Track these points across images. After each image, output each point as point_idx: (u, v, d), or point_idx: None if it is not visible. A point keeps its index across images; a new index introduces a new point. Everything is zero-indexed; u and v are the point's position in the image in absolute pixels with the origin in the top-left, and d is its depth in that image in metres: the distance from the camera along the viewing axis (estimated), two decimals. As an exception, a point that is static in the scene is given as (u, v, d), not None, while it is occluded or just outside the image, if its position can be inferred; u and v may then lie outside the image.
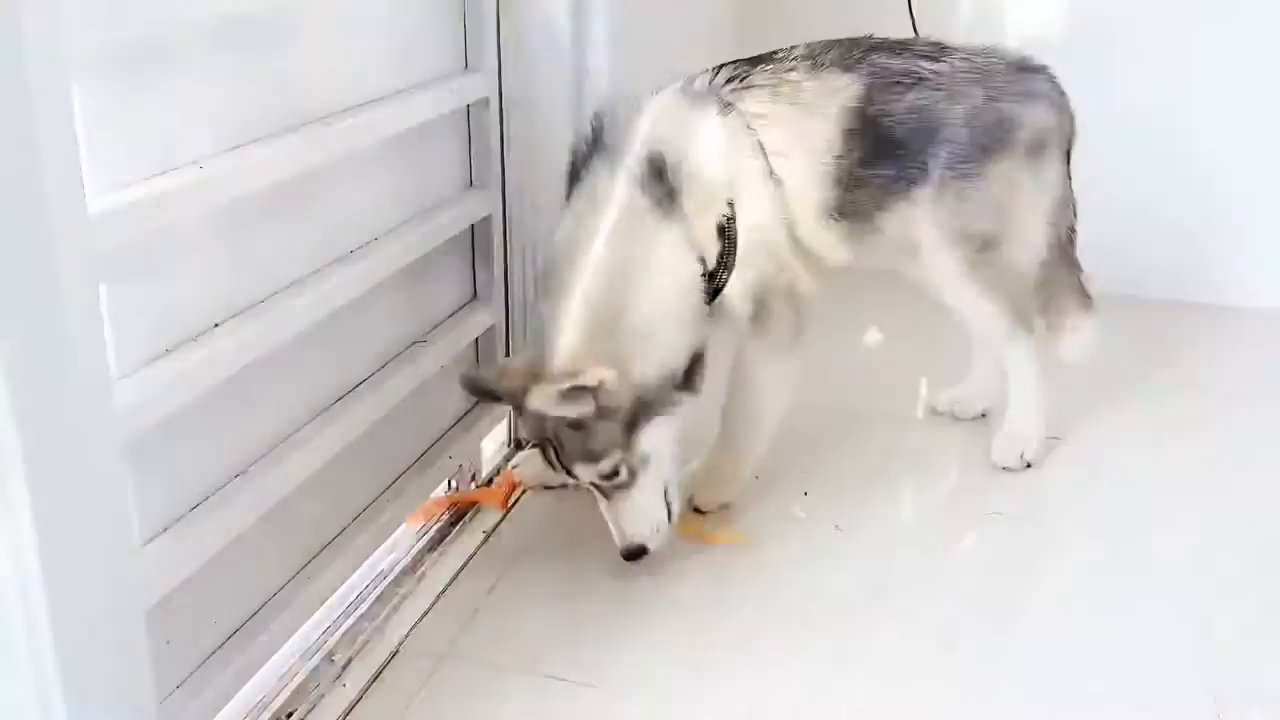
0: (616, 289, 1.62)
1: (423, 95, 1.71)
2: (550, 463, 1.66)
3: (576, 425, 1.58)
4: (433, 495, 1.89)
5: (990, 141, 1.85)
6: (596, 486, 1.66)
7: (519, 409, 1.65)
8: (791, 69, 1.82)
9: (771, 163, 1.76)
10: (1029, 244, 1.93)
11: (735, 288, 1.75)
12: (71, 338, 1.00)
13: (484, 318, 1.97)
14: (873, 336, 2.65)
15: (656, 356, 1.63)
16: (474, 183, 1.95)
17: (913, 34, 2.70)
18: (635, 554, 1.67)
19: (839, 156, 1.80)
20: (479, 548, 1.81)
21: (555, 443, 1.62)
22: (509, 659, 1.54)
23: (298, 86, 1.46)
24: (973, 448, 2.12)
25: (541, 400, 1.54)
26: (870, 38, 1.90)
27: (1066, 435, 2.13)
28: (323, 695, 1.49)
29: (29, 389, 0.94)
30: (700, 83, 1.80)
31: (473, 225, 1.93)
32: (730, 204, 1.73)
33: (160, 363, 1.23)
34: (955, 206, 1.85)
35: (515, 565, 1.76)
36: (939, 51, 1.89)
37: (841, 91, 1.80)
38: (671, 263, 1.68)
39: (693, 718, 1.46)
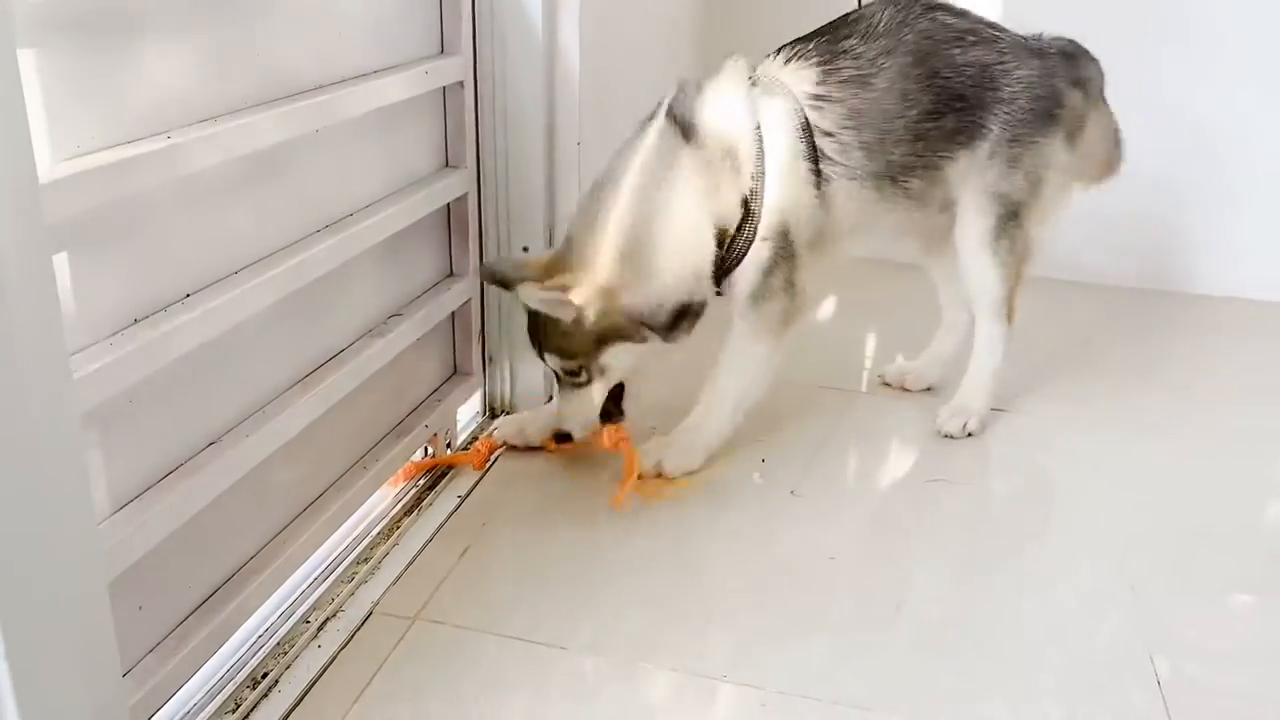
0: (637, 226, 1.62)
1: (397, 76, 1.58)
2: (533, 341, 1.71)
3: (553, 325, 1.64)
4: (412, 459, 1.78)
5: (1039, 111, 1.77)
6: (557, 374, 1.72)
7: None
8: (846, 36, 1.74)
9: (820, 144, 1.69)
10: (1044, 223, 1.84)
11: (749, 261, 1.70)
12: (21, 308, 0.87)
13: (459, 292, 1.85)
14: (826, 312, 2.55)
15: (644, 296, 1.63)
16: (450, 162, 1.82)
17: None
18: (564, 438, 1.76)
19: (898, 115, 1.72)
20: (453, 512, 1.69)
21: (541, 330, 1.67)
22: (479, 621, 1.43)
23: (271, 62, 1.33)
24: (918, 419, 2.03)
25: (526, 294, 1.62)
26: (928, 1, 1.80)
27: (1011, 408, 2.05)
28: (297, 657, 1.37)
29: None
30: (761, 64, 1.75)
31: (449, 204, 1.81)
32: (756, 179, 1.67)
33: (127, 333, 1.10)
34: (1002, 169, 1.77)
35: (488, 529, 1.65)
36: (995, 24, 1.82)
37: (898, 51, 1.72)
38: (687, 221, 1.65)
39: (658, 676, 1.36)
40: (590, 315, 1.62)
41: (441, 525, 1.65)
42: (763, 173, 1.68)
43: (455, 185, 1.79)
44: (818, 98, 1.71)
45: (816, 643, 1.43)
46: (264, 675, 1.34)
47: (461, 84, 1.76)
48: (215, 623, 1.29)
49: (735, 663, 1.38)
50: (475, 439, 1.92)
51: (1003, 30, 1.81)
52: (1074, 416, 2.06)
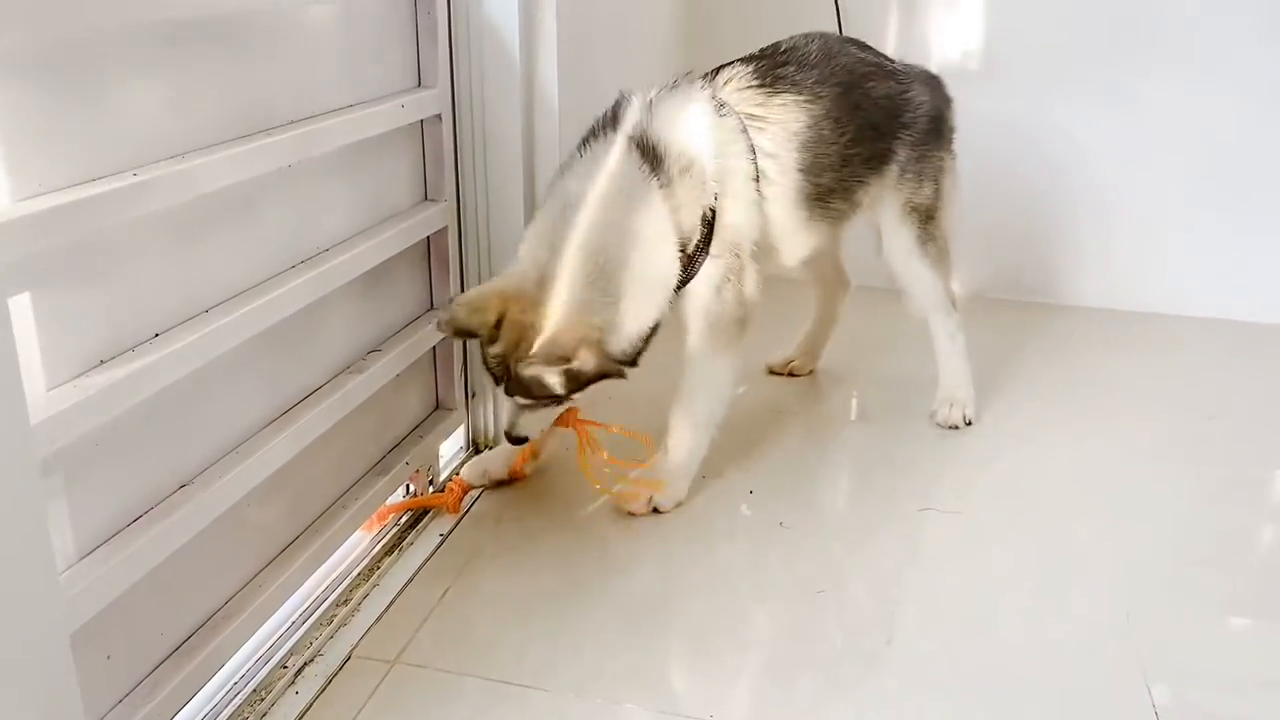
0: (613, 265, 1.59)
1: (373, 110, 1.56)
2: (495, 380, 1.64)
3: (537, 380, 1.58)
4: (387, 502, 1.74)
5: (933, 130, 1.96)
6: (518, 405, 1.66)
7: (492, 341, 1.60)
8: (784, 63, 1.82)
9: (762, 164, 1.73)
10: (951, 220, 2.01)
11: (703, 277, 1.71)
12: (-24, 350, 0.85)
13: (440, 327, 1.83)
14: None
15: (628, 330, 1.61)
16: (429, 195, 1.80)
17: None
18: (520, 440, 1.71)
19: (832, 142, 1.81)
20: (435, 551, 1.66)
21: (512, 379, 1.60)
22: (460, 663, 1.40)
23: (243, 97, 1.31)
24: (908, 447, 2.02)
25: (532, 372, 1.56)
26: (839, 34, 2.01)
27: (993, 432, 2.05)
28: (274, 704, 1.34)
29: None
30: (704, 83, 1.77)
31: (429, 237, 1.79)
32: (715, 197, 1.68)
33: (91, 375, 1.08)
34: (913, 184, 1.94)
35: (469, 570, 1.62)
36: (886, 55, 1.99)
37: (830, 82, 1.82)
38: (658, 245, 1.64)
39: (643, 717, 1.32)
40: (590, 367, 1.56)
41: (422, 565, 1.62)
42: (720, 192, 1.69)
43: (435, 218, 1.78)
44: (760, 119, 1.76)
45: (805, 680, 1.40)
46: (239, 723, 1.30)
47: (439, 116, 1.75)
48: (188, 670, 1.25)
49: (723, 702, 1.35)
50: (453, 477, 1.88)
51: (893, 60, 1.98)
52: (1057, 441, 2.05)
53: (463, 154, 1.82)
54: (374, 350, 1.67)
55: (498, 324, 1.58)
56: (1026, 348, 2.49)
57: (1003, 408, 2.17)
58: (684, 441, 1.79)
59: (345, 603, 1.53)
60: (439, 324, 1.62)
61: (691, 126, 1.69)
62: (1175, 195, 2.66)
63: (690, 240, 1.68)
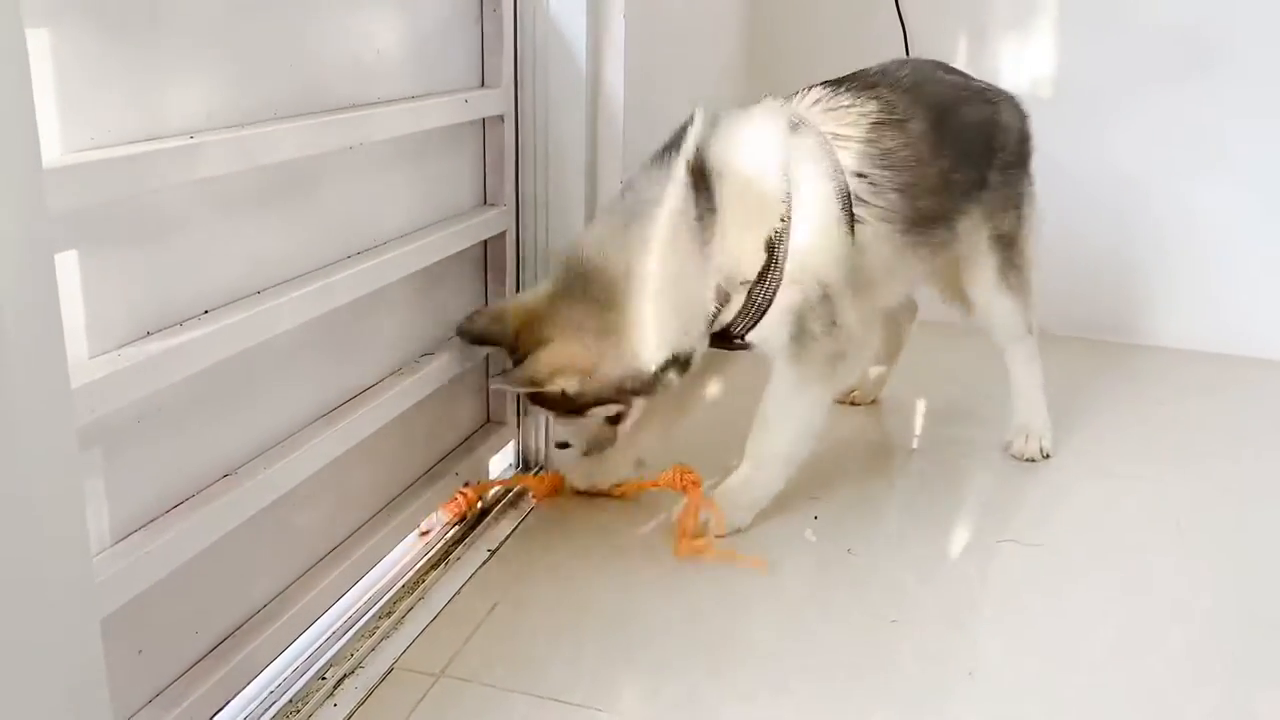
0: (621, 289, 1.53)
1: (434, 101, 1.52)
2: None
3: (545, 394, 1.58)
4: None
5: (1021, 152, 1.89)
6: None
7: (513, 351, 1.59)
8: (874, 84, 1.73)
9: (851, 183, 1.62)
10: (1033, 246, 1.92)
11: (778, 306, 1.59)
12: (16, 305, 0.79)
13: (495, 336, 1.76)
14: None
15: (630, 362, 1.54)
16: (488, 199, 1.75)
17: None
18: (563, 445, 1.78)
19: (930, 164, 1.71)
20: (483, 565, 1.58)
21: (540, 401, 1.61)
22: (508, 679, 1.31)
23: (306, 73, 1.27)
24: (974, 477, 1.91)
25: (514, 390, 1.61)
26: (930, 60, 1.92)
27: (1076, 466, 1.94)
28: (310, 715, 1.26)
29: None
30: (784, 103, 1.68)
31: (486, 241, 1.74)
32: (784, 220, 1.56)
33: (137, 345, 1.02)
34: (1001, 210, 1.85)
35: (520, 582, 1.54)
36: (972, 77, 1.92)
37: (924, 103, 1.73)
38: (681, 277, 1.54)
39: (703, 745, 1.23)
40: (577, 392, 1.56)
41: (470, 578, 1.54)
42: (790, 215, 1.58)
43: (494, 222, 1.73)
44: (846, 138, 1.65)
45: (880, 712, 1.29)
46: (273, 734, 1.22)
47: (502, 118, 1.71)
48: (222, 673, 1.18)
49: (791, 731, 1.25)
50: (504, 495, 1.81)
51: (981, 81, 1.90)
52: (1141, 475, 1.93)
53: (524, 158, 1.77)
54: (427, 354, 1.61)
55: (517, 335, 1.56)
56: (1107, 385, 2.38)
57: (1081, 442, 2.05)
58: (756, 472, 1.69)
59: (388, 615, 1.46)
60: (459, 329, 1.60)
61: (756, 146, 1.60)
62: (1264, 233, 2.54)
63: (741, 272, 1.57)
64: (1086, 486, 1.90)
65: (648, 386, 1.57)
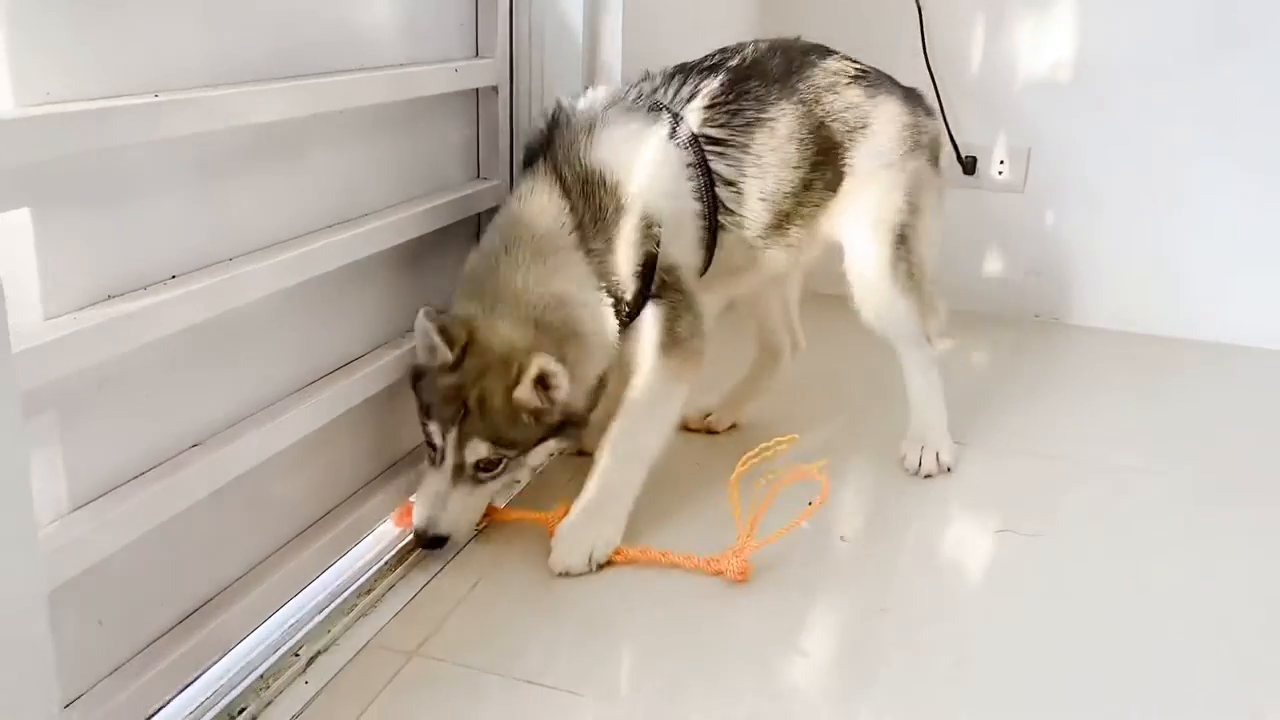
0: (541, 319, 1.48)
1: (423, 69, 1.49)
2: (429, 425, 1.45)
3: (509, 409, 1.43)
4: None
5: (908, 139, 1.72)
6: (459, 466, 1.45)
7: (454, 369, 1.43)
8: (747, 77, 1.63)
9: (720, 194, 1.58)
10: (927, 241, 1.76)
11: (652, 309, 1.56)
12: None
13: (486, 312, 1.73)
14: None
15: (586, 371, 1.51)
16: (481, 173, 1.72)
17: (923, 59, 2.53)
18: (438, 542, 1.47)
19: (796, 166, 1.63)
20: (466, 543, 1.55)
21: (467, 408, 1.42)
22: (485, 660, 1.28)
23: (285, 33, 1.24)
24: (970, 467, 1.86)
25: (524, 396, 1.43)
26: (799, 39, 1.74)
27: (1071, 456, 1.89)
28: (280, 691, 1.23)
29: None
30: (663, 90, 1.60)
31: (479, 215, 1.71)
32: (658, 243, 1.53)
33: (97, 308, 1.00)
34: (877, 196, 1.70)
35: (499, 564, 1.51)
36: (852, 59, 1.75)
37: (793, 98, 1.64)
38: (586, 305, 1.51)
39: (681, 732, 1.20)
40: (570, 395, 1.46)
41: (452, 557, 1.51)
42: (663, 238, 1.54)
43: (486, 196, 1.69)
44: (722, 143, 1.59)
45: (865, 700, 1.25)
46: (241, 710, 1.20)
47: (495, 89, 1.67)
48: (188, 646, 1.16)
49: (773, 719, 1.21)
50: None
51: (861, 65, 1.75)
52: (1140, 467, 1.88)
53: (518, 131, 1.74)
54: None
55: (464, 347, 1.43)
56: (1108, 374, 2.33)
57: (1082, 432, 2.01)
58: (612, 479, 1.55)
59: (368, 592, 1.43)
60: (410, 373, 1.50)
61: (637, 163, 1.53)
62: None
63: (627, 288, 1.53)
64: (1086, 477, 1.84)
65: (588, 411, 1.55)
